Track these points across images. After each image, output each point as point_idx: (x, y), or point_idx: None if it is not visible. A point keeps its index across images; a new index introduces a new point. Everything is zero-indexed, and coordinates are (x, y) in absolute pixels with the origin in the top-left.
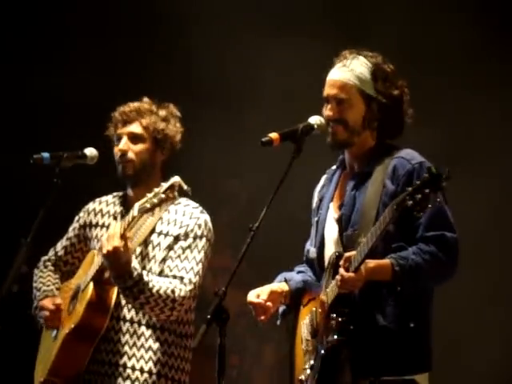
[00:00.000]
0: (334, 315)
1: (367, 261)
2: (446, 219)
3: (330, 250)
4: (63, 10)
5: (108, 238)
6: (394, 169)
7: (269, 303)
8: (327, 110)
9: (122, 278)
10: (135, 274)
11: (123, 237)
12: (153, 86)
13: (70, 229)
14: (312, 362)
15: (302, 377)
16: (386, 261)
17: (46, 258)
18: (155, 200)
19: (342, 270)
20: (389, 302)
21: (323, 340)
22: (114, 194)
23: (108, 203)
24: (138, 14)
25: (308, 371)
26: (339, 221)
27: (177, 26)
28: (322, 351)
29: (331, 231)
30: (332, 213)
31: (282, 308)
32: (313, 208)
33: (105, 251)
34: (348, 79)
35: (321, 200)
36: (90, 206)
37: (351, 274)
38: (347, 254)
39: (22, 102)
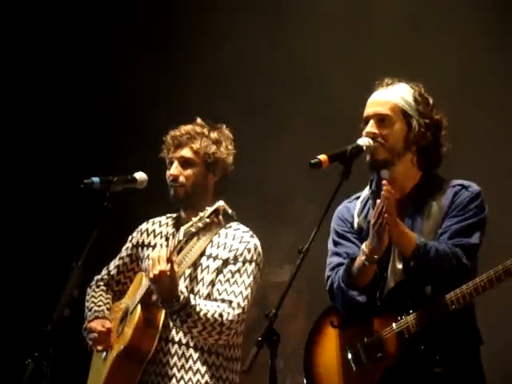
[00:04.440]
0: (423, 346)
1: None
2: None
3: (392, 277)
4: (121, 36)
5: (154, 262)
6: (454, 196)
7: None
8: (368, 127)
9: (169, 302)
10: (182, 297)
11: (169, 260)
12: (214, 109)
13: (123, 248)
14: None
15: None
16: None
17: (98, 277)
18: (200, 224)
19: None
20: (461, 330)
21: (397, 365)
22: (168, 215)
23: (161, 224)
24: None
25: None
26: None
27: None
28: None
29: (393, 260)
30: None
31: None
32: (355, 229)
33: (151, 275)
34: (390, 98)
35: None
36: (144, 226)
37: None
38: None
39: (72, 127)
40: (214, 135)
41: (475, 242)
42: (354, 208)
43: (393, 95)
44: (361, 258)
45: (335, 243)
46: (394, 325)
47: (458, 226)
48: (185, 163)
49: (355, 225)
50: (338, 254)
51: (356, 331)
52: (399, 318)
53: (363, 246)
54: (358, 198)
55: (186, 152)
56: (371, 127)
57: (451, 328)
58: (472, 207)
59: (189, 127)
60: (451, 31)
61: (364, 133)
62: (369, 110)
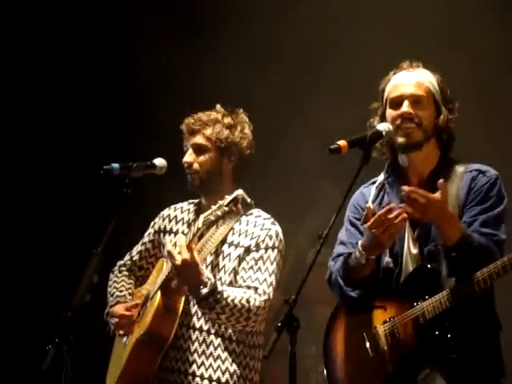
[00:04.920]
0: (437, 332)
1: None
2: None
3: (408, 263)
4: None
5: (174, 252)
6: (472, 181)
7: None
8: (405, 107)
9: (197, 289)
10: (209, 283)
11: (189, 248)
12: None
13: (146, 234)
14: (390, 371)
15: None
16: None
17: (121, 262)
18: (219, 212)
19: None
20: (478, 316)
21: (413, 351)
22: (190, 201)
23: (183, 210)
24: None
25: (381, 380)
26: (419, 236)
27: None
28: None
29: (409, 245)
30: (407, 226)
31: None
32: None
33: (175, 267)
34: (423, 81)
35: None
36: (166, 212)
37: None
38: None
39: (93, 114)
40: (227, 120)
41: (505, 238)
42: (369, 194)
43: (424, 79)
44: (357, 257)
45: (346, 230)
46: (409, 311)
47: (486, 217)
48: (198, 150)
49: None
50: (342, 243)
51: (373, 317)
52: (415, 303)
53: (359, 245)
54: (374, 182)
55: (198, 139)
56: (408, 107)
57: (467, 314)
58: (493, 194)
59: (202, 114)
60: None
61: (398, 113)
62: (403, 90)
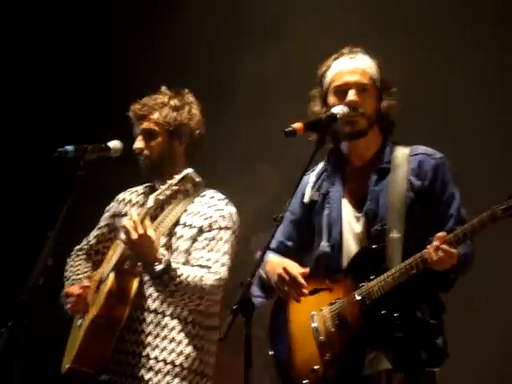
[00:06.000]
0: (383, 311)
1: None
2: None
3: (350, 245)
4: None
5: (129, 229)
6: (419, 165)
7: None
8: (351, 96)
9: (151, 265)
10: (163, 259)
11: (142, 225)
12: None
13: (102, 218)
14: (337, 352)
15: (317, 367)
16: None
17: (78, 247)
18: (168, 192)
19: (445, 246)
20: (423, 297)
21: (360, 331)
22: (146, 184)
23: (138, 193)
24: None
25: (328, 361)
26: (366, 216)
27: None
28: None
29: (351, 227)
30: (348, 208)
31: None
32: (305, 203)
33: (131, 242)
34: (365, 68)
35: (325, 195)
36: (121, 195)
37: (453, 251)
38: (441, 235)
39: (49, 96)
40: (173, 102)
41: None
42: (308, 181)
43: (366, 65)
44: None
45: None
46: (355, 291)
47: (455, 212)
48: (148, 135)
49: (306, 198)
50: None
51: (320, 299)
52: (361, 284)
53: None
54: (315, 170)
55: (147, 124)
56: (354, 96)
57: (412, 294)
58: (449, 179)
59: (148, 98)
60: None
61: (343, 102)
62: (348, 78)
